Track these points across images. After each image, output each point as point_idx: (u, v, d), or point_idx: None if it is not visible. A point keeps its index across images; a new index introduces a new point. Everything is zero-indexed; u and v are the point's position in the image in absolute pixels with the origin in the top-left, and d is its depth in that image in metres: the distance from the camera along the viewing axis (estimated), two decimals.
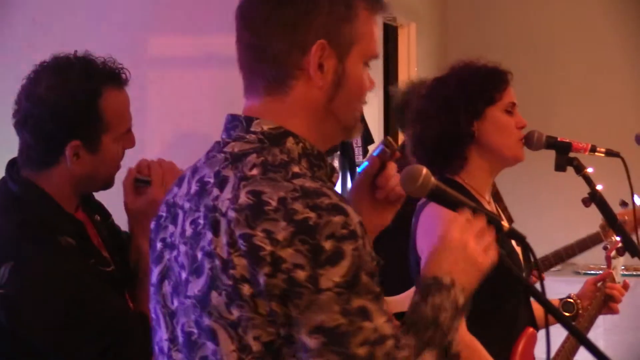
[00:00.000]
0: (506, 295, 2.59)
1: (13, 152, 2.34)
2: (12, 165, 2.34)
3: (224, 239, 1.48)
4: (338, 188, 3.56)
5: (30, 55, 2.37)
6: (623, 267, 6.14)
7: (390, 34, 6.14)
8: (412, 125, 2.75)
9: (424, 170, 1.67)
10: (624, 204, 3.31)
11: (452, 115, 2.60)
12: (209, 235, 1.50)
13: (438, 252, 1.62)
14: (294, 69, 1.59)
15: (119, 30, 3.84)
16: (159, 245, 1.65)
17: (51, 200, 2.27)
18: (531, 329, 2.66)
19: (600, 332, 5.86)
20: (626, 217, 3.32)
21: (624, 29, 6.78)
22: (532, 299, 2.67)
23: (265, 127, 1.58)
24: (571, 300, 2.99)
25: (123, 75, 2.32)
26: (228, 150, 1.58)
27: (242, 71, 1.65)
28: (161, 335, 1.64)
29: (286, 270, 1.43)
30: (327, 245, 1.43)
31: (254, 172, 1.51)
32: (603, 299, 2.98)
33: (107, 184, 2.34)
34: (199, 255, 1.52)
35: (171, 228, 1.62)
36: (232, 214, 1.48)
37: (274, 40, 1.59)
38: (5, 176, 2.34)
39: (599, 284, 3.00)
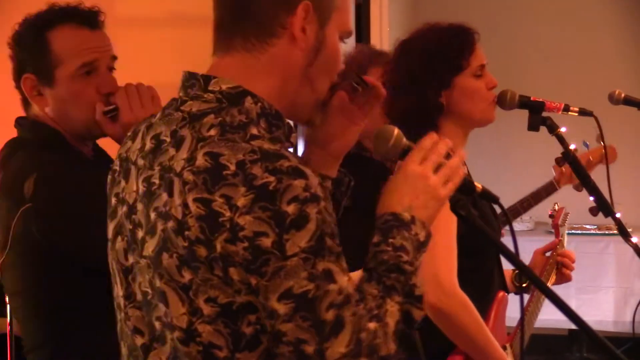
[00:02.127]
0: (483, 257, 2.59)
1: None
2: (20, 118, 2.44)
3: (178, 200, 1.45)
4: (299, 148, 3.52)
5: None
6: (596, 227, 6.20)
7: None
8: None
9: (396, 130, 1.64)
10: (585, 144, 3.35)
11: (419, 88, 2.56)
12: (164, 196, 1.48)
13: (397, 185, 1.60)
14: (278, 27, 1.57)
15: None
16: (113, 200, 1.63)
17: (57, 132, 2.35)
18: (502, 293, 2.66)
19: (572, 291, 5.91)
20: (590, 158, 3.35)
21: None
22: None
23: (224, 87, 1.55)
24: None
25: (91, 15, 2.35)
26: (186, 110, 1.55)
27: (217, 28, 1.62)
28: (117, 291, 1.62)
29: (247, 238, 1.41)
30: (290, 209, 1.41)
31: (212, 132, 1.48)
32: (555, 267, 2.97)
33: (89, 127, 2.36)
34: (152, 215, 1.50)
35: (123, 183, 1.60)
36: (188, 175, 1.45)
37: None
38: (17, 131, 2.43)
39: (547, 254, 2.99)
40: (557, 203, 3.20)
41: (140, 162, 1.56)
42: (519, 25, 6.76)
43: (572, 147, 2.74)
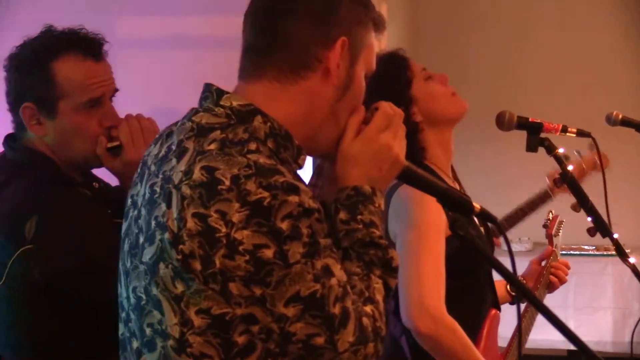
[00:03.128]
0: (473, 277, 2.60)
1: None
2: (10, 137, 2.38)
3: (175, 212, 1.48)
4: (308, 170, 3.54)
5: None
6: (594, 247, 6.18)
7: None
8: None
9: None
10: (577, 153, 3.36)
11: None
12: (163, 206, 1.50)
13: (362, 154, 1.62)
14: (314, 61, 1.59)
15: (86, 13, 3.83)
16: (128, 201, 1.65)
17: (52, 161, 2.31)
18: (494, 311, 2.67)
19: (571, 312, 5.91)
20: (584, 166, 3.36)
21: (596, 10, 6.81)
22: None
23: (235, 103, 1.57)
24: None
25: (96, 46, 2.31)
26: (196, 120, 1.57)
27: (247, 52, 1.63)
28: (121, 291, 1.64)
29: (247, 251, 1.44)
30: (285, 225, 1.45)
31: (212, 146, 1.51)
32: (548, 278, 2.98)
33: (87, 160, 2.34)
34: (153, 223, 1.52)
35: (138, 187, 1.62)
36: (186, 189, 1.47)
37: (300, 30, 1.58)
38: (4, 150, 2.38)
39: (543, 263, 3.00)
40: (551, 211, 3.19)
41: (152, 167, 1.59)
42: (518, 48, 6.78)
43: (569, 167, 2.76)
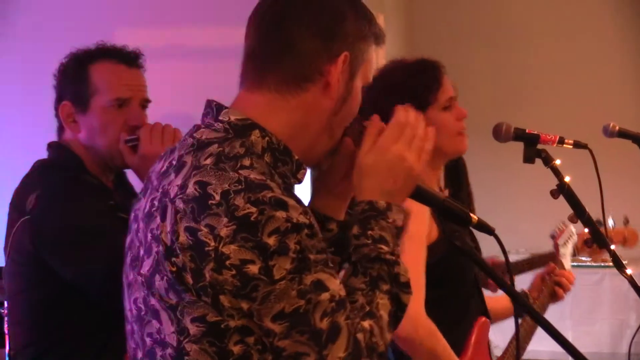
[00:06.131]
0: (454, 285, 2.61)
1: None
2: (52, 142, 2.62)
3: (168, 226, 1.49)
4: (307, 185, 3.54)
5: None
6: (591, 259, 6.17)
7: None
8: None
9: None
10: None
11: None
12: (158, 219, 1.52)
13: (376, 167, 1.62)
14: (316, 73, 1.60)
15: (89, 24, 3.85)
16: (132, 215, 1.67)
17: (78, 159, 2.53)
18: (483, 318, 2.67)
19: (569, 324, 5.91)
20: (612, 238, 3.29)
21: (594, 21, 6.82)
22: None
23: (233, 117, 1.58)
24: (523, 292, 2.99)
25: (131, 56, 2.57)
26: (197, 137, 1.59)
27: (249, 59, 1.63)
28: (125, 304, 1.66)
29: (234, 266, 1.45)
30: (271, 241, 1.45)
31: (207, 161, 1.52)
32: (552, 287, 2.98)
33: (112, 155, 2.53)
34: (149, 236, 1.54)
35: (142, 201, 1.63)
36: (179, 203, 1.49)
37: (306, 41, 1.59)
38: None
39: (546, 276, 3.00)
40: (564, 222, 3.17)
41: (155, 182, 1.60)
42: (515, 59, 6.80)
43: (566, 179, 2.75)
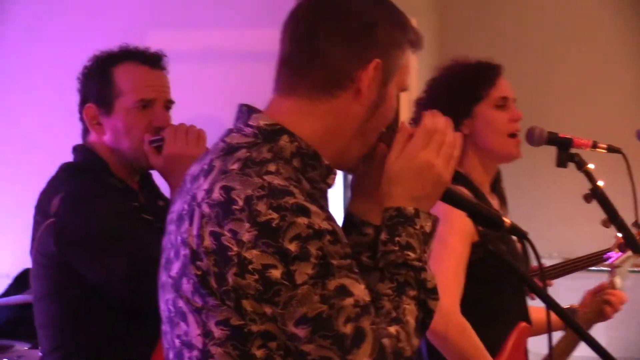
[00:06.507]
0: (494, 285, 2.59)
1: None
2: (77, 145, 2.61)
3: (195, 229, 1.51)
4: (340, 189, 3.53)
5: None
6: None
7: None
8: None
9: None
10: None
11: None
12: (187, 222, 1.53)
13: (403, 174, 1.62)
14: (347, 80, 1.60)
15: (117, 28, 3.87)
16: (168, 217, 1.67)
17: (103, 162, 2.53)
18: (524, 324, 2.65)
19: (602, 328, 5.86)
20: None
21: (623, 25, 6.77)
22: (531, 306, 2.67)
23: (262, 122, 1.59)
24: (571, 308, 2.96)
25: (154, 57, 2.57)
26: (227, 141, 1.60)
27: (283, 64, 1.64)
28: (160, 304, 1.67)
29: (256, 271, 1.46)
30: (292, 247, 1.46)
31: (235, 166, 1.53)
32: (601, 305, 2.94)
33: (137, 157, 2.52)
34: (179, 239, 1.55)
35: (177, 203, 1.64)
36: (205, 207, 1.51)
37: (336, 48, 1.60)
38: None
39: (597, 293, 2.97)
40: (618, 243, 3.06)
41: (188, 185, 1.61)
42: (547, 63, 6.76)
43: (600, 183, 2.74)
